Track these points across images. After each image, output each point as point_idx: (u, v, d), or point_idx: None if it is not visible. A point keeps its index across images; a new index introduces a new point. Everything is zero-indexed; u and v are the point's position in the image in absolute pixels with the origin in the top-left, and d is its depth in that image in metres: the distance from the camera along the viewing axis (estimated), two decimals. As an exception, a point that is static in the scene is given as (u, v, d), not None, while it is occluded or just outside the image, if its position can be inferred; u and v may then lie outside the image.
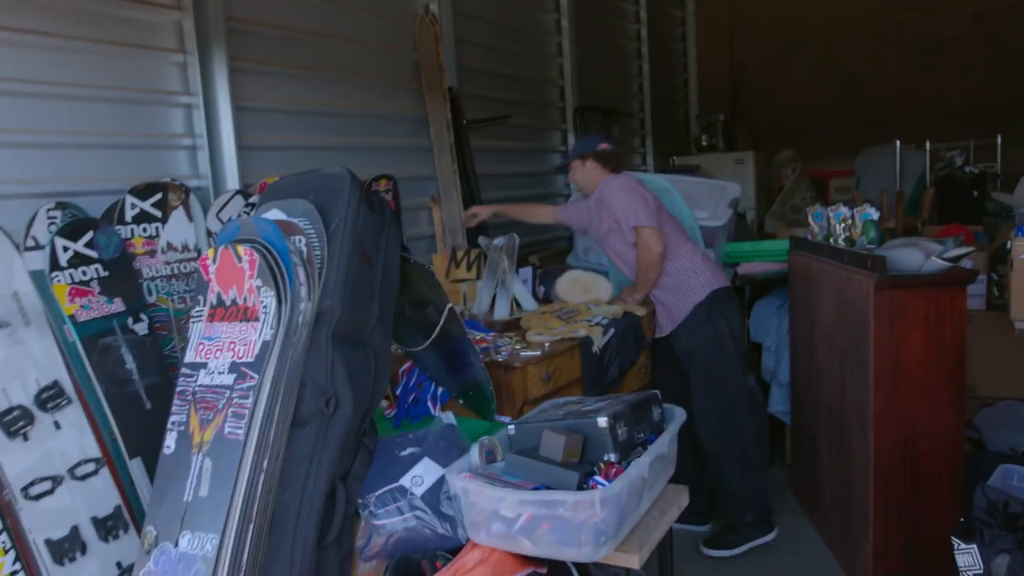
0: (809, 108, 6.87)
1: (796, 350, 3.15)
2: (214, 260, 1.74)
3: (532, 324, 2.43)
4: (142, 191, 2.53)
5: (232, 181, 2.85)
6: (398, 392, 2.25)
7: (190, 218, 2.70)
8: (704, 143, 6.79)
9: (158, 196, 2.58)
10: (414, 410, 2.24)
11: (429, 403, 2.22)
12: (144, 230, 2.56)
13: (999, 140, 5.37)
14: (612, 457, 1.58)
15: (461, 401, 2.18)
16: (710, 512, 3.30)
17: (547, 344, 2.29)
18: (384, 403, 2.38)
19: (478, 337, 2.40)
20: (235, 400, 1.64)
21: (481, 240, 2.76)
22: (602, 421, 1.58)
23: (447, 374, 2.17)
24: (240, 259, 1.70)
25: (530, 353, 2.20)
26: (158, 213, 2.59)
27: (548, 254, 4.50)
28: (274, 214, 1.85)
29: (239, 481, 1.58)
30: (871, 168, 5.83)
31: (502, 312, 2.58)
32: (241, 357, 1.67)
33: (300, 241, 1.77)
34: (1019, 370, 3.13)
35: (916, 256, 2.30)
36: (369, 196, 1.89)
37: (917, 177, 5.56)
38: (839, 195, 6.74)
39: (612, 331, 2.48)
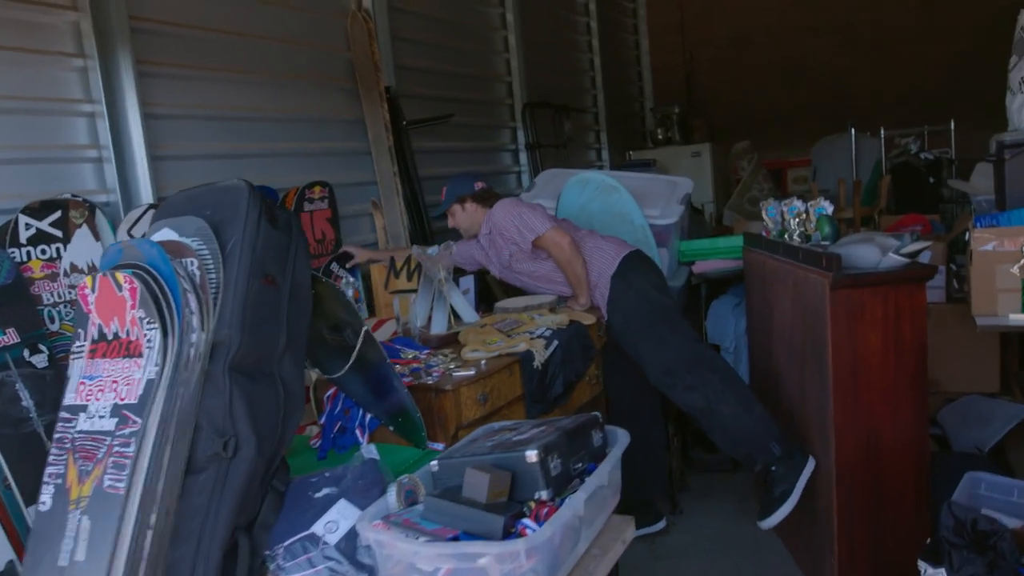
0: (764, 98, 6.80)
1: (754, 352, 3.03)
2: (92, 289, 1.54)
3: (469, 339, 2.26)
4: (37, 210, 2.31)
5: (145, 194, 2.65)
6: (322, 421, 2.06)
7: (96, 237, 2.48)
8: (660, 136, 6.68)
9: (56, 214, 2.36)
10: (341, 440, 2.05)
11: (357, 431, 2.04)
12: (43, 252, 2.34)
13: (952, 125, 5.34)
14: (544, 495, 1.42)
15: (391, 428, 2.01)
16: (673, 505, 3.18)
17: (484, 362, 2.12)
18: (314, 429, 2.20)
19: (410, 356, 2.22)
20: (116, 448, 1.45)
21: (414, 250, 2.58)
22: (531, 455, 1.42)
23: (374, 399, 1.99)
24: (120, 287, 1.50)
25: (464, 373, 2.03)
26: (58, 233, 2.37)
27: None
28: (164, 234, 1.65)
29: (120, 541, 1.39)
30: (827, 157, 5.77)
31: (439, 327, 2.40)
32: (123, 399, 1.48)
33: (192, 264, 1.57)
34: (981, 364, 3.04)
35: (872, 253, 2.18)
36: (272, 210, 1.70)
37: (873, 165, 5.51)
38: (797, 185, 6.69)
39: (556, 343, 2.32)
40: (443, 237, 3.99)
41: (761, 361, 2.93)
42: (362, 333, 1.76)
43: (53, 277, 2.34)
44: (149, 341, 1.48)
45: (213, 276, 1.61)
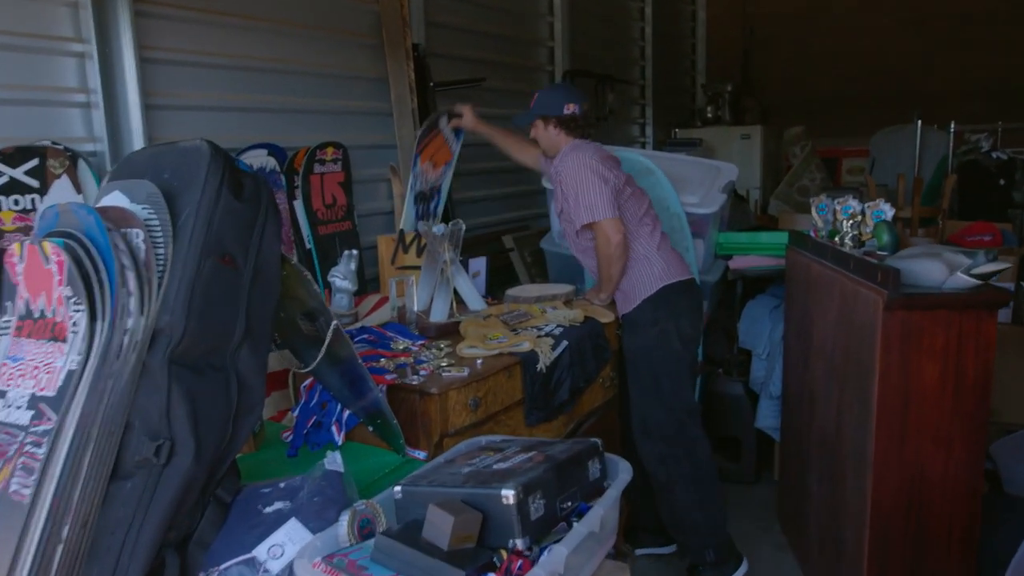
0: (824, 81, 6.36)
1: (789, 363, 2.74)
2: (20, 257, 1.34)
3: (469, 333, 2.03)
4: (11, 155, 2.12)
5: (138, 145, 2.44)
6: (296, 414, 1.86)
7: (78, 189, 2.29)
8: (709, 115, 6.30)
9: (33, 162, 2.17)
10: (315, 436, 1.85)
11: (333, 428, 1.83)
12: (16, 202, 2.16)
13: (1031, 124, 4.89)
14: (519, 543, 1.19)
15: (371, 428, 1.79)
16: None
17: (480, 361, 1.88)
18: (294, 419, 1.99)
19: (400, 348, 2.00)
20: (27, 447, 1.25)
21: (420, 226, 2.35)
22: (508, 495, 1.18)
23: (351, 395, 1.78)
24: (47, 259, 1.29)
25: (455, 374, 1.79)
26: (34, 182, 2.19)
27: (526, 235, 4.08)
28: (114, 198, 1.43)
29: (22, 557, 1.20)
30: (888, 149, 5.36)
31: (439, 314, 2.17)
32: (42, 389, 1.28)
33: (137, 236, 1.36)
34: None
35: (938, 270, 1.88)
36: (238, 178, 1.47)
37: (938, 161, 5.09)
38: (852, 176, 6.28)
39: (565, 343, 2.07)
40: (462, 213, 3.75)
41: (796, 375, 2.65)
42: (331, 328, 1.53)
43: (26, 231, 2.16)
44: (74, 325, 1.27)
45: (162, 252, 1.39)
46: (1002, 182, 4.67)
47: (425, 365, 1.85)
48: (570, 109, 2.60)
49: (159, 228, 1.40)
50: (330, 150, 3.05)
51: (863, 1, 6.51)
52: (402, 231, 2.74)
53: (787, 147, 5.83)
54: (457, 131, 3.03)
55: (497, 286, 3.89)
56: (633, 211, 2.50)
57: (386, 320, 2.31)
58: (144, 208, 1.41)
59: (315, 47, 3.08)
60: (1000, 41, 6.05)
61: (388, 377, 1.77)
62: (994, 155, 4.78)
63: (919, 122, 5.06)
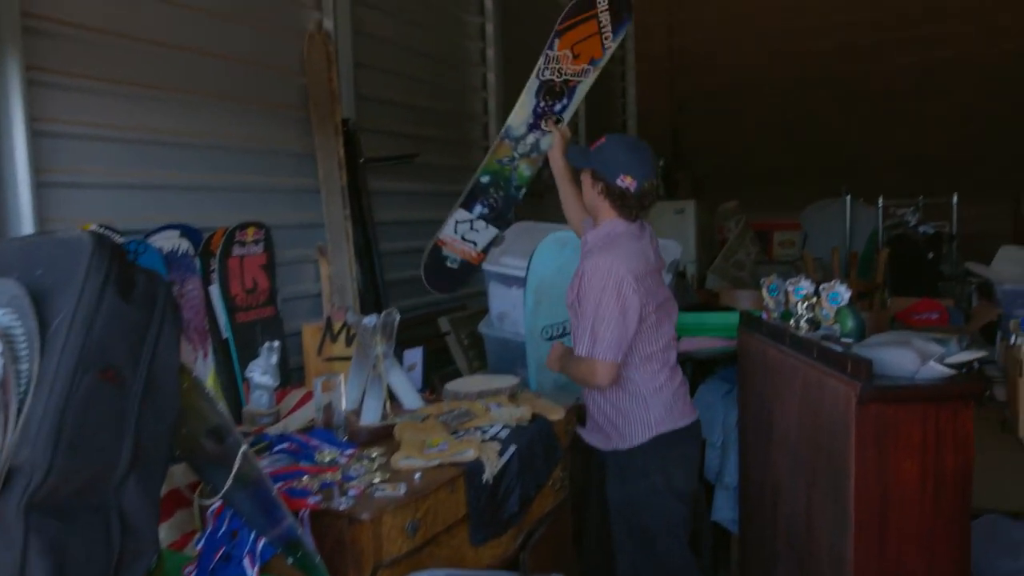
0: (754, 155, 6.48)
1: (747, 453, 2.59)
2: None
3: (405, 439, 1.79)
4: None
5: (27, 229, 2.17)
6: (199, 546, 1.57)
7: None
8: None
9: None
10: (224, 571, 1.56)
11: (246, 561, 1.55)
12: None
13: (955, 199, 5.03)
14: None
15: (290, 560, 1.52)
16: None
17: (418, 475, 1.65)
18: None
19: (326, 460, 1.74)
20: None
21: (349, 317, 2.13)
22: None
23: (266, 522, 1.51)
24: None
25: (389, 494, 1.55)
26: None
27: (463, 316, 3.88)
28: (-29, 300, 1.18)
29: None
30: (818, 223, 5.44)
31: (371, 416, 1.93)
32: None
33: (-7, 349, 1.11)
34: (1011, 479, 2.62)
35: (910, 359, 1.76)
36: (129, 275, 1.24)
37: (869, 235, 5.18)
38: (783, 249, 6.34)
39: (513, 448, 1.86)
40: (395, 295, 3.53)
41: (755, 467, 2.49)
42: (239, 453, 1.28)
43: None
44: (-101, 468, 1.00)
45: (25, 368, 1.14)
46: (931, 255, 4.75)
47: (355, 483, 1.60)
48: (624, 183, 2.12)
49: (23, 338, 1.15)
50: (251, 230, 2.82)
51: (785, 81, 6.72)
52: (329, 318, 2.51)
53: (721, 221, 5.86)
54: (619, 26, 2.61)
55: (433, 373, 3.66)
56: (646, 342, 2.15)
57: (311, 419, 2.05)
58: (5, 313, 1.16)
59: (236, 120, 2.87)
60: (918, 116, 6.30)
61: (311, 501, 1.52)
62: (921, 229, 4.88)
63: (848, 197, 5.15)
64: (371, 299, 3.33)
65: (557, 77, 2.51)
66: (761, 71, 6.74)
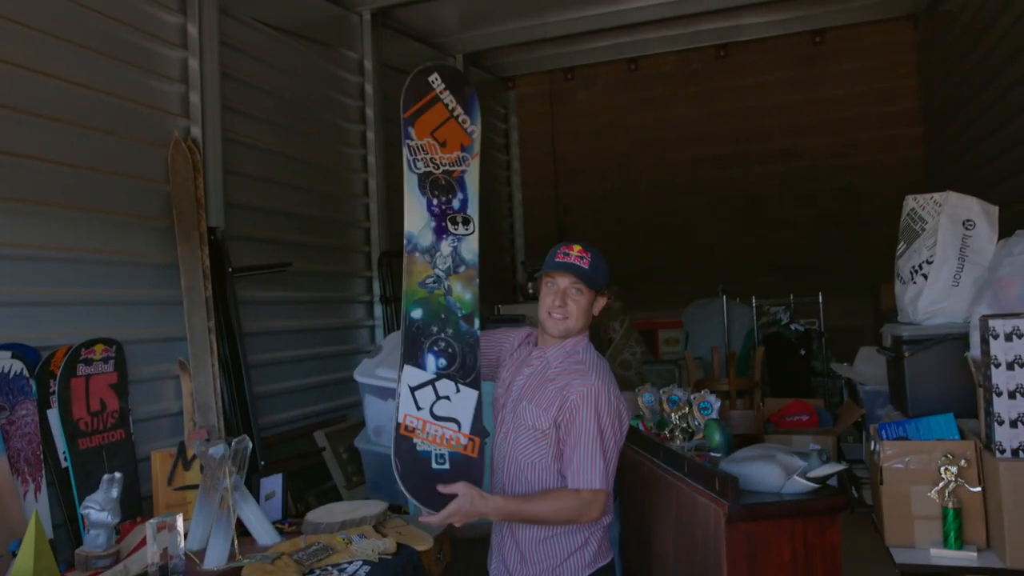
0: (636, 256, 6.69)
1: (629, 571, 2.50)
2: None
3: (251, 584, 1.62)
4: None
5: None
6: None
7: None
8: (531, 291, 6.37)
9: None
10: None
11: None
12: None
13: (820, 298, 5.32)
14: None
15: None
16: None
17: (260, 630, 1.48)
18: None
19: (156, 617, 1.54)
20: None
21: (196, 445, 1.96)
22: None
23: None
24: None
25: (223, 657, 1.38)
26: None
27: (342, 429, 3.71)
28: None
29: None
30: (699, 322, 5.61)
31: (215, 558, 1.75)
32: None
33: None
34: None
35: (775, 474, 1.76)
36: None
37: (745, 333, 5.38)
38: (668, 347, 6.50)
39: (372, 588, 1.71)
40: (267, 408, 3.33)
41: (639, 584, 2.41)
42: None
43: None
44: None
45: None
46: (802, 352, 4.96)
47: (184, 645, 1.41)
48: (608, 295, 2.10)
49: None
50: (99, 347, 2.61)
51: (660, 186, 7.08)
52: (182, 443, 2.31)
53: (606, 322, 5.95)
54: (468, 104, 2.12)
55: (309, 491, 3.44)
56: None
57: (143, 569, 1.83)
58: None
59: (91, 231, 2.70)
60: (781, 220, 6.73)
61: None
62: (793, 327, 5.10)
63: (724, 298, 5.35)
64: (238, 415, 3.12)
65: (435, 169, 2.12)
66: (636, 176, 7.10)
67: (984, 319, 1.87)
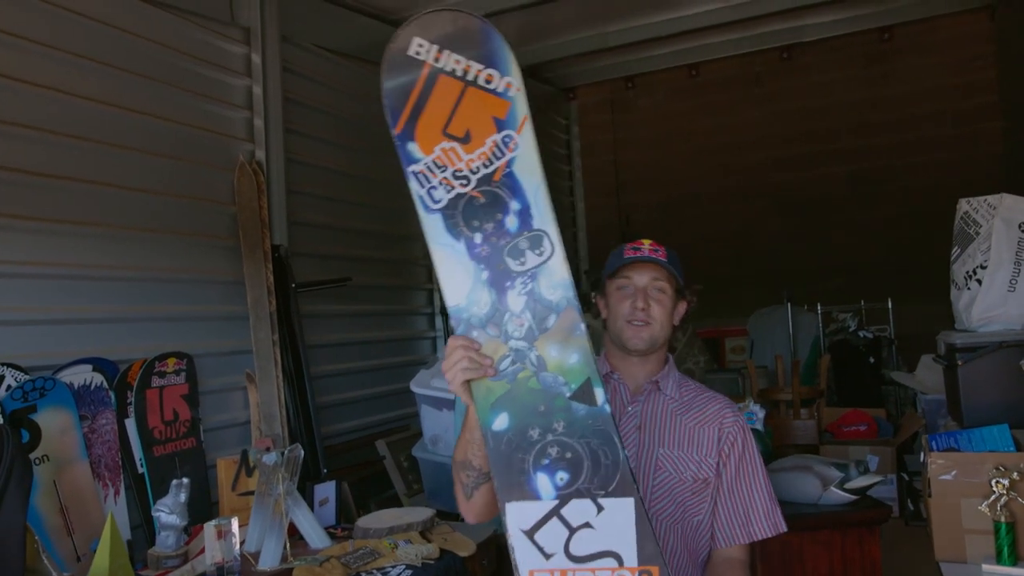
0: (697, 264, 6.59)
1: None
2: None
3: (299, 585, 1.72)
4: None
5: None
6: None
7: None
8: (594, 300, 6.40)
9: None
10: None
11: None
12: None
13: (890, 304, 5.15)
14: None
15: None
16: None
17: (304, 630, 1.57)
18: None
19: (211, 614, 1.65)
20: None
21: (252, 454, 2.07)
22: None
23: None
24: None
25: (267, 653, 1.47)
26: None
27: (403, 438, 3.81)
28: None
29: None
30: (763, 330, 5.52)
31: (269, 560, 1.86)
32: None
33: None
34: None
35: (812, 485, 1.75)
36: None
37: (811, 341, 5.25)
38: (735, 355, 6.40)
39: (413, 591, 1.78)
40: (330, 418, 3.46)
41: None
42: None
43: None
44: None
45: None
46: (871, 360, 4.82)
47: (234, 640, 1.52)
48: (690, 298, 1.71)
49: None
50: (171, 361, 2.78)
51: (722, 191, 6.98)
52: (245, 451, 2.44)
53: (669, 330, 5.90)
54: (488, 49, 1.33)
55: (372, 499, 3.56)
56: None
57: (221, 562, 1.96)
58: None
59: (162, 251, 2.88)
60: (849, 222, 6.53)
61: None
62: (861, 334, 4.96)
63: (789, 305, 5.25)
64: (302, 425, 3.26)
65: (464, 184, 1.34)
66: (698, 183, 7.01)
67: (1035, 326, 1.81)
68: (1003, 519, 1.82)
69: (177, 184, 2.97)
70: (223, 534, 1.88)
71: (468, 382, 1.34)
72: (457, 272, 1.33)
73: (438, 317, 4.51)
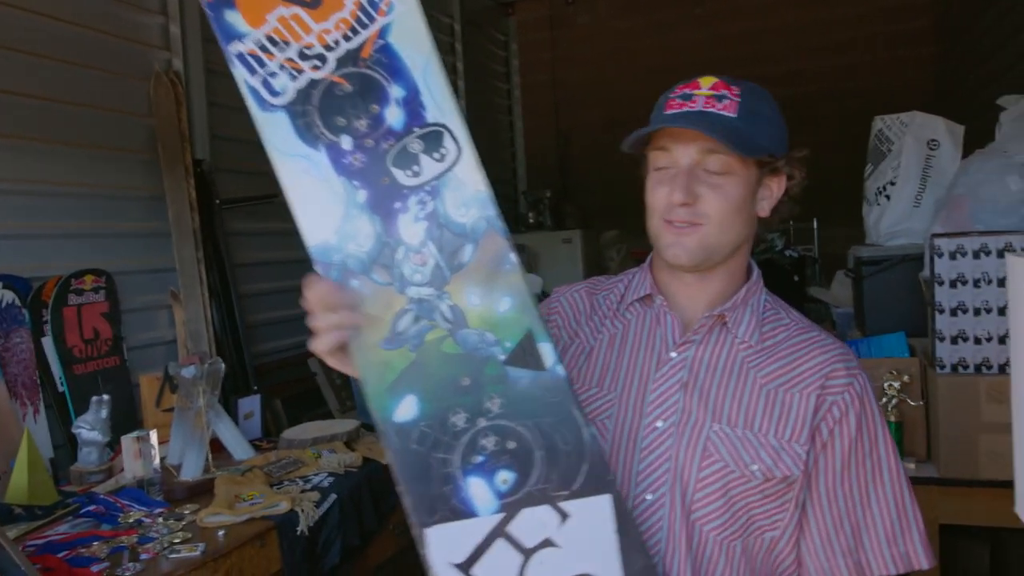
0: (634, 185, 6.66)
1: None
2: None
3: (219, 493, 1.74)
4: None
5: None
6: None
7: None
8: (531, 221, 6.42)
9: None
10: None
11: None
12: None
13: (815, 224, 5.30)
14: None
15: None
16: None
17: (222, 532, 1.60)
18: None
19: (131, 521, 1.67)
20: None
21: (169, 366, 2.06)
22: None
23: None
24: None
25: (184, 555, 1.50)
26: None
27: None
28: None
29: None
30: (696, 250, 5.63)
31: (191, 471, 1.87)
32: None
33: None
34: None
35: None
36: None
37: (740, 260, 5.39)
38: (669, 275, 6.54)
39: (333, 497, 1.83)
40: (260, 337, 3.44)
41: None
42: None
43: None
44: None
45: None
46: (796, 278, 4.98)
47: (150, 545, 1.54)
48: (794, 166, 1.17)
49: None
50: (89, 278, 2.71)
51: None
52: (166, 367, 2.43)
53: (604, 250, 5.99)
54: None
55: (305, 416, 3.58)
56: None
57: (115, 487, 1.96)
58: None
59: (72, 164, 2.76)
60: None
61: (95, 569, 1.45)
62: (787, 253, 5.11)
63: (720, 224, 5.35)
64: (230, 343, 3.24)
65: (319, 64, 0.93)
66: (642, 104, 6.96)
67: (932, 238, 1.90)
68: (892, 419, 1.94)
69: (89, 94, 2.82)
70: (141, 446, 1.88)
71: (345, 352, 0.91)
72: (319, 195, 0.93)
73: (372, 237, 4.47)
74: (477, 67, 6.12)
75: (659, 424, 1.03)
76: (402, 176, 0.93)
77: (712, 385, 1.04)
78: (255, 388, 3.11)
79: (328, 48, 0.93)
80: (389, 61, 0.92)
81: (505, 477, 0.89)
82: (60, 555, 1.45)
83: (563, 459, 0.89)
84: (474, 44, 5.88)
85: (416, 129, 0.94)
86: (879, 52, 6.42)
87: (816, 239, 5.34)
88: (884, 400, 1.93)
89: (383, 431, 0.92)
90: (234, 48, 0.94)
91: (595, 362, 1.10)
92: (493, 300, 0.90)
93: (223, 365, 2.06)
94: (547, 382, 0.90)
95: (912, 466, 1.92)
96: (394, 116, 0.93)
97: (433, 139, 0.94)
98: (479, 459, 0.89)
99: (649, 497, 1.00)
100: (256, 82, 0.95)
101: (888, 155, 2.33)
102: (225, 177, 3.35)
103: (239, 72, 0.96)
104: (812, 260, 5.19)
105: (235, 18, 0.93)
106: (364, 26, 0.92)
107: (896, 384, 1.91)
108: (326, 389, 3.65)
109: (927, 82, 6.15)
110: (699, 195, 1.04)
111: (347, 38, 0.92)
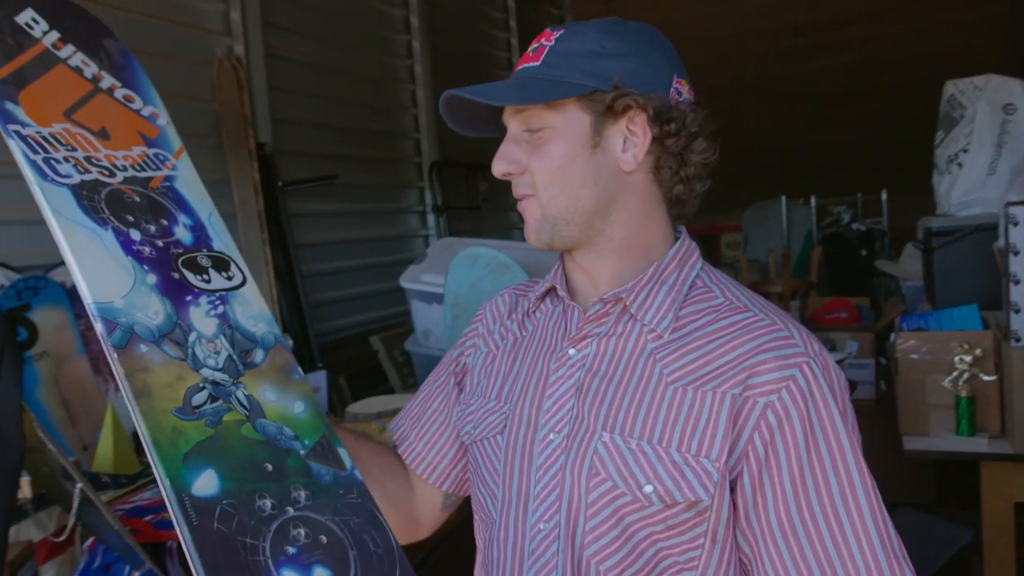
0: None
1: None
2: None
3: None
4: None
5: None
6: (67, 586, 1.54)
7: None
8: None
9: None
10: (96, 608, 1.55)
11: (117, 598, 1.54)
12: None
13: (884, 195, 5.14)
14: None
15: (160, 596, 1.50)
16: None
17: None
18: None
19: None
20: None
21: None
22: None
23: (137, 557, 1.52)
24: None
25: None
26: None
27: (397, 334, 3.90)
28: None
29: None
30: (758, 225, 5.53)
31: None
32: None
33: None
34: (915, 473, 2.68)
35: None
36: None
37: (805, 234, 5.27)
38: (730, 251, 6.44)
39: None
40: (323, 316, 3.53)
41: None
42: (75, 493, 1.29)
43: None
44: None
45: None
46: (864, 252, 4.85)
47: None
48: (684, 91, 0.96)
49: None
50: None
51: (715, 85, 6.83)
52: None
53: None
54: (128, 72, 1.11)
55: (366, 393, 3.67)
56: None
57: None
58: None
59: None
60: (847, 116, 6.43)
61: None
62: (854, 227, 4.98)
63: (784, 198, 5.24)
64: (295, 322, 3.34)
65: (107, 175, 0.92)
66: (695, 75, 6.84)
67: (1007, 206, 1.82)
68: (963, 393, 1.89)
69: (154, 82, 2.90)
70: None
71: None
72: (105, 264, 0.84)
73: (430, 215, 4.52)
74: (533, 25, 6.08)
75: (552, 436, 0.86)
76: (194, 279, 0.90)
77: (609, 386, 0.84)
78: (320, 365, 3.20)
79: (117, 168, 0.93)
80: (177, 198, 0.97)
81: (322, 574, 0.78)
82: (146, 519, 1.53)
83: (375, 562, 0.80)
84: (528, 19, 5.84)
85: (205, 250, 0.95)
86: (950, 12, 6.15)
87: (885, 211, 5.18)
88: (955, 374, 1.88)
89: (177, 505, 0.74)
90: (12, 127, 0.87)
91: (496, 371, 0.96)
92: (287, 401, 0.87)
93: (291, 342, 2.12)
94: (348, 483, 0.84)
95: (985, 442, 1.87)
96: (183, 234, 0.95)
97: (220, 262, 0.96)
98: (291, 551, 0.77)
99: (543, 526, 0.84)
100: (38, 159, 0.86)
101: (960, 121, 2.24)
102: (286, 160, 3.43)
103: (17, 146, 0.86)
104: (881, 233, 5.04)
105: (15, 109, 0.88)
106: (153, 168, 0.98)
107: (968, 358, 1.85)
108: (388, 366, 3.73)
109: (1003, 44, 5.86)
110: (518, 160, 0.89)
111: (136, 169, 0.95)
